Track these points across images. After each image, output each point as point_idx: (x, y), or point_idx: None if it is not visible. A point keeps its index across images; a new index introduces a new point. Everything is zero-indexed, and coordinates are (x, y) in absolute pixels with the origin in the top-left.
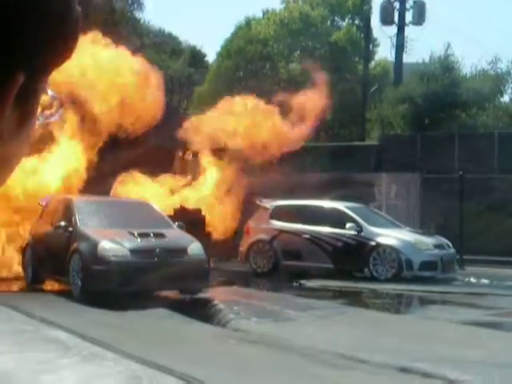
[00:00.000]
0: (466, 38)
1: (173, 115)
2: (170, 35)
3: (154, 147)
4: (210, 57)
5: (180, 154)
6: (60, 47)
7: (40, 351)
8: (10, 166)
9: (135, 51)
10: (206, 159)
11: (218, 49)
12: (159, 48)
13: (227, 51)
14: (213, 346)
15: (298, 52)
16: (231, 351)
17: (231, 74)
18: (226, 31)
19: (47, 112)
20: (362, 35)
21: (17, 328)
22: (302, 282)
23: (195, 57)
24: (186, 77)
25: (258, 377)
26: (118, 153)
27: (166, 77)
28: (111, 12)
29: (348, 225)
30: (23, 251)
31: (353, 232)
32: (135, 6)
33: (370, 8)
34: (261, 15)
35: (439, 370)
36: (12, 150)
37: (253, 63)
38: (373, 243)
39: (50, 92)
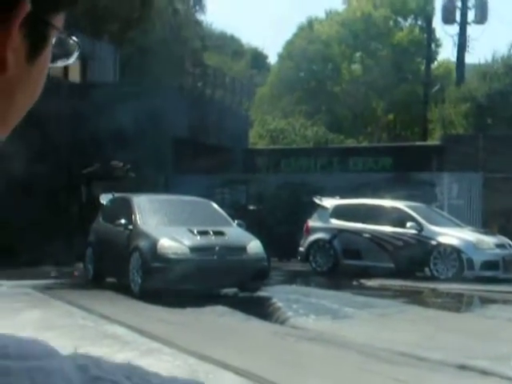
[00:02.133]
0: None
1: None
2: (231, 37)
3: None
4: (272, 58)
5: None
6: None
7: (98, 346)
8: (13, 103)
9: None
10: None
11: (280, 50)
12: (221, 50)
13: (288, 52)
14: (270, 343)
15: (360, 53)
16: (289, 348)
17: (292, 75)
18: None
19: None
20: (425, 35)
21: (77, 323)
22: (362, 281)
23: (257, 58)
24: (247, 78)
25: (315, 373)
26: None
27: (228, 78)
28: (174, 14)
29: (409, 224)
30: (84, 249)
31: (413, 231)
32: (197, 7)
33: (433, 8)
34: (323, 16)
35: (498, 368)
36: (18, 86)
37: (314, 64)
38: (434, 242)
39: (73, 37)
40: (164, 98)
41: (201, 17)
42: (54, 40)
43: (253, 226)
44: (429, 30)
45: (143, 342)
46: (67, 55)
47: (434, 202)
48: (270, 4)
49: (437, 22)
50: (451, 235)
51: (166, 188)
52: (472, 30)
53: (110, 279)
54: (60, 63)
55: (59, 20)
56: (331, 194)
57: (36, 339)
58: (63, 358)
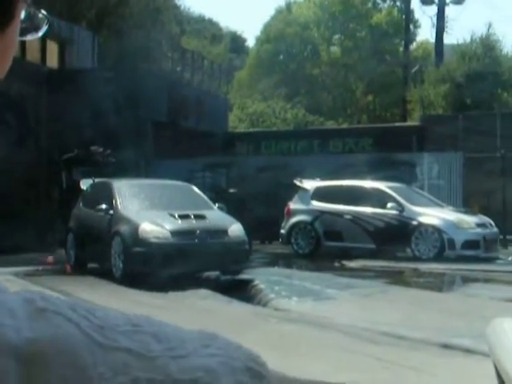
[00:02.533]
0: (506, 17)
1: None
2: (210, 21)
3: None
4: (251, 42)
5: None
6: None
7: None
8: None
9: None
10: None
11: (258, 33)
12: (200, 34)
13: (267, 35)
14: (253, 325)
15: (339, 35)
16: (271, 329)
17: (271, 58)
18: (267, 15)
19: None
20: (403, 16)
21: None
22: (344, 262)
23: (236, 42)
24: (226, 62)
25: (297, 354)
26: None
27: (206, 62)
28: None
29: (389, 205)
30: (65, 235)
31: (394, 212)
32: None
33: None
34: None
35: (481, 347)
36: None
37: (293, 47)
38: (415, 223)
39: (42, 11)
40: (143, 83)
41: (179, 1)
42: (22, 14)
43: (234, 209)
44: (407, 11)
45: None
46: (36, 29)
47: (414, 182)
48: None
49: (415, 3)
50: (432, 215)
51: (147, 172)
52: (450, 11)
53: (91, 265)
54: (29, 37)
55: None
56: (312, 175)
57: None
58: (9, 292)
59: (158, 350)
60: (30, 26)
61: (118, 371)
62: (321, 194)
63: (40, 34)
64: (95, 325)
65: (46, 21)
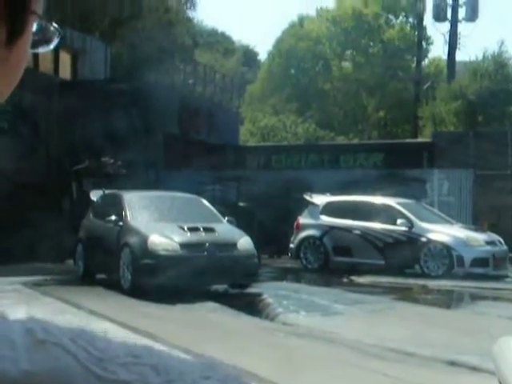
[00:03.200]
0: None
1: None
2: (223, 35)
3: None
4: (263, 56)
5: None
6: None
7: None
8: None
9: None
10: None
11: (271, 48)
12: (212, 47)
13: (279, 49)
14: (260, 339)
15: (351, 50)
16: (279, 344)
17: (283, 73)
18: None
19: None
20: (416, 33)
21: (66, 320)
22: (353, 277)
23: (248, 56)
24: (238, 75)
25: (304, 369)
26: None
27: (218, 75)
28: (165, 11)
29: (399, 221)
30: (75, 245)
31: (404, 228)
32: (188, 5)
33: (423, 5)
34: (314, 13)
35: (488, 364)
36: None
37: (305, 61)
38: (424, 239)
39: (53, 23)
40: (155, 95)
41: (192, 14)
42: (34, 26)
43: (243, 222)
44: (420, 27)
45: (134, 339)
46: (48, 41)
47: (424, 198)
48: (261, 1)
49: (427, 19)
50: (441, 232)
51: (157, 184)
52: (463, 28)
53: (100, 275)
54: (41, 49)
55: (38, 5)
56: (322, 190)
57: None
58: (11, 321)
59: (157, 382)
60: (42, 38)
61: None
62: (330, 209)
63: (51, 46)
64: (94, 357)
65: (58, 33)
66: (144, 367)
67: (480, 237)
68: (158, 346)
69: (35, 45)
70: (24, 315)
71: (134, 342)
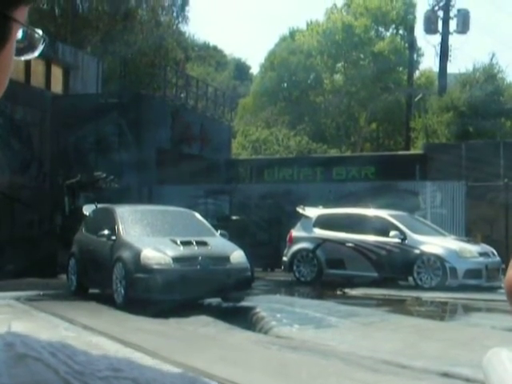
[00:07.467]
0: (510, 47)
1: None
2: (214, 48)
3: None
4: (255, 69)
5: None
6: None
7: None
8: None
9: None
10: None
11: (262, 61)
12: (204, 61)
13: (271, 63)
14: (254, 352)
15: (342, 63)
16: (273, 357)
17: (275, 86)
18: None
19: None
20: (406, 45)
21: (60, 334)
22: (346, 290)
23: (240, 69)
24: (230, 89)
25: (300, 382)
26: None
27: (210, 89)
28: (157, 25)
29: (392, 233)
30: (67, 260)
31: (397, 240)
32: (180, 19)
33: (414, 17)
34: (305, 27)
35: (481, 376)
36: None
37: (296, 74)
38: (417, 251)
39: (38, 31)
40: (147, 109)
41: (184, 28)
42: (18, 34)
43: (236, 236)
44: (410, 39)
45: (126, 353)
46: (33, 49)
47: (417, 210)
48: (253, 15)
49: (418, 31)
50: (434, 244)
51: (149, 198)
52: (454, 40)
53: (93, 290)
54: (26, 57)
55: (21, 14)
56: (314, 203)
57: None
58: None
59: None
60: (27, 45)
61: None
62: (323, 222)
63: (36, 53)
64: (75, 371)
65: (42, 40)
66: (125, 381)
67: (473, 248)
68: (139, 360)
69: (20, 52)
70: (4, 329)
71: (115, 356)
